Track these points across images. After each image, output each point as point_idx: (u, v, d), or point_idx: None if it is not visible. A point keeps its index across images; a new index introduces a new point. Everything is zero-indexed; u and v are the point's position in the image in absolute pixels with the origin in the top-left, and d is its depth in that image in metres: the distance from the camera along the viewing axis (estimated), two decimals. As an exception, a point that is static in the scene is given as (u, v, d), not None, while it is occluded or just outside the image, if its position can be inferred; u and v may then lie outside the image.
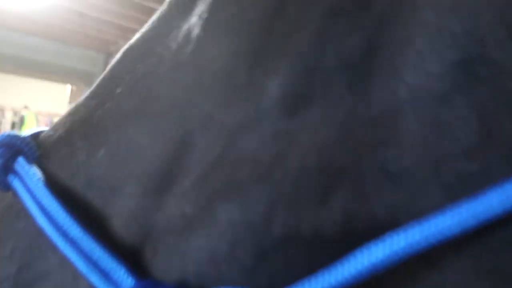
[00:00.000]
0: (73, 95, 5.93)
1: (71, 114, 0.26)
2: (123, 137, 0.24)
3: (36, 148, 0.24)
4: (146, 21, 0.28)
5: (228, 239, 0.21)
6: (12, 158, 0.23)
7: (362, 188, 0.19)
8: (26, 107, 6.91)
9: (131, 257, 0.21)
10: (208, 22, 0.23)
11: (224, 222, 0.21)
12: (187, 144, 0.22)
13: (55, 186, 0.23)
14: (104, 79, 0.27)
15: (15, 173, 0.23)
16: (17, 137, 0.24)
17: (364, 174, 0.19)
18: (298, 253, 0.20)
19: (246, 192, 0.21)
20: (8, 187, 0.23)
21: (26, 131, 0.26)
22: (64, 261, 0.21)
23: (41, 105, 7.19)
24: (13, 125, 6.72)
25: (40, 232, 0.21)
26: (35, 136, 0.25)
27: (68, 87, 6.20)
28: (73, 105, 0.27)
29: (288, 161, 0.20)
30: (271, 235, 0.20)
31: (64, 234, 0.20)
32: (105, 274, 0.20)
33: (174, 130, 0.23)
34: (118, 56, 0.27)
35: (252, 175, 0.21)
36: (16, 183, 0.23)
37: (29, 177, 0.22)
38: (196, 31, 0.23)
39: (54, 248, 0.21)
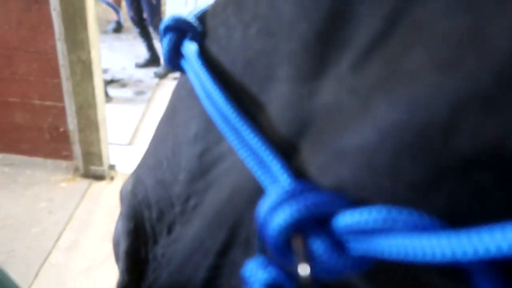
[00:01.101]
0: None
1: None
2: (272, 9, 0.20)
3: (200, 30, 0.24)
4: None
5: (390, 144, 0.16)
6: (180, 41, 0.24)
7: None
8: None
9: (285, 151, 0.19)
10: None
11: (385, 121, 0.16)
12: (346, 15, 0.17)
13: (216, 69, 0.22)
14: None
15: (183, 56, 0.24)
16: (183, 20, 0.24)
17: None
18: (496, 178, 0.14)
19: (421, 82, 0.15)
20: (180, 69, 0.25)
21: (191, 11, 0.25)
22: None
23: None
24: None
25: (208, 118, 0.22)
26: (199, 16, 0.25)
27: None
28: None
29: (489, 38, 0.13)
30: (453, 148, 0.14)
31: (227, 122, 0.20)
32: (264, 167, 0.18)
33: None
34: None
35: (430, 56, 0.15)
36: (185, 66, 0.23)
37: (195, 61, 0.22)
38: None
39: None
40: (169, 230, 0.24)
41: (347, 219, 0.16)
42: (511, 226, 0.13)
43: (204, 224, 0.23)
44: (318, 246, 0.16)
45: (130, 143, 2.45)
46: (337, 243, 0.17)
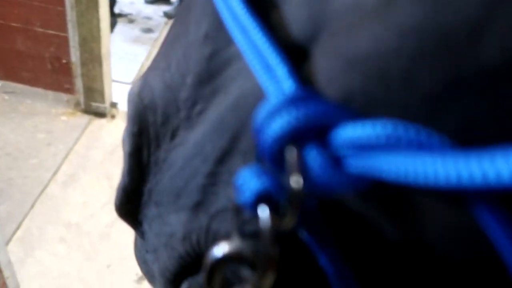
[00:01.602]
0: None
1: None
2: None
3: None
4: None
5: (408, 49, 0.14)
6: None
7: None
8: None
9: (295, 56, 0.17)
10: None
11: (406, 21, 0.14)
12: None
13: None
14: None
15: None
16: None
17: None
18: None
19: None
20: None
21: None
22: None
23: None
24: None
25: (222, 26, 0.20)
26: None
27: None
28: None
29: None
30: (478, 55, 0.13)
31: (236, 20, 0.19)
32: (270, 71, 0.17)
33: None
34: None
35: None
36: None
37: None
38: None
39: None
40: (173, 135, 0.24)
41: (348, 132, 0.15)
42: None
43: (207, 130, 0.22)
44: (314, 158, 0.15)
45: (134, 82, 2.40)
46: (334, 158, 0.16)
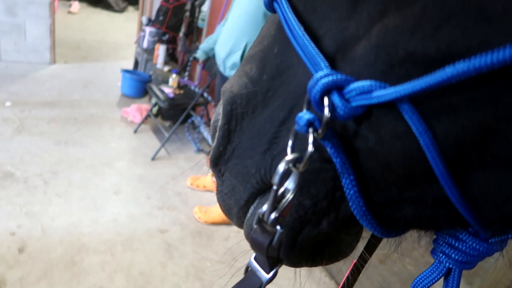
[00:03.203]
0: None
1: None
2: None
3: None
4: None
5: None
6: None
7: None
8: None
9: (329, 59, 0.31)
10: None
11: None
12: None
13: (295, 10, 0.34)
14: None
15: (277, 1, 0.35)
16: None
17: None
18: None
19: None
20: (272, 10, 0.36)
21: None
22: (300, 59, 0.33)
23: None
24: None
25: (287, 42, 0.34)
26: None
27: None
28: None
29: None
30: None
31: (299, 39, 0.32)
32: (316, 65, 0.30)
33: None
34: None
35: None
36: (277, 8, 0.35)
37: (282, 5, 0.34)
38: None
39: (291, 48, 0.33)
40: (253, 111, 0.37)
41: (353, 86, 0.28)
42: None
43: (275, 106, 0.36)
44: (336, 99, 0.29)
45: None
46: (346, 98, 0.28)
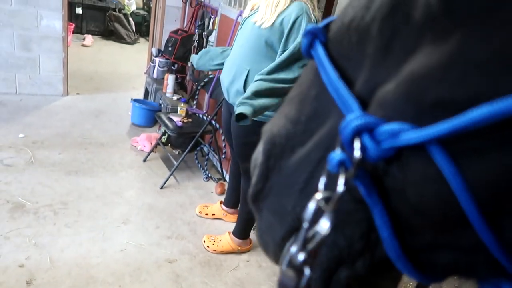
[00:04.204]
0: None
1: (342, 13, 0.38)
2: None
3: (325, 34, 0.38)
4: None
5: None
6: (313, 40, 0.38)
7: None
8: None
9: (362, 102, 0.33)
10: None
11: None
12: None
13: (332, 58, 0.36)
14: None
15: (314, 49, 0.38)
16: (317, 28, 0.38)
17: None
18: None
19: None
20: (311, 57, 0.39)
21: (324, 21, 0.40)
22: (334, 102, 0.35)
23: None
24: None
25: (323, 86, 0.36)
26: (327, 24, 0.39)
27: None
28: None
29: None
30: None
31: (333, 86, 0.34)
32: (348, 108, 0.33)
33: None
34: None
35: None
36: (314, 55, 0.38)
37: (319, 53, 0.37)
38: None
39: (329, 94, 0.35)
40: (291, 150, 0.39)
41: (383, 128, 0.29)
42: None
43: (311, 146, 0.37)
44: (366, 140, 0.30)
45: None
46: (377, 141, 0.29)
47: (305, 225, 0.31)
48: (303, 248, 0.32)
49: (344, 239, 0.34)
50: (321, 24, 0.39)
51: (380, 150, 0.29)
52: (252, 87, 1.78)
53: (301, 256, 0.32)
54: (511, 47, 0.23)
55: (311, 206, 0.31)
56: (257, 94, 1.75)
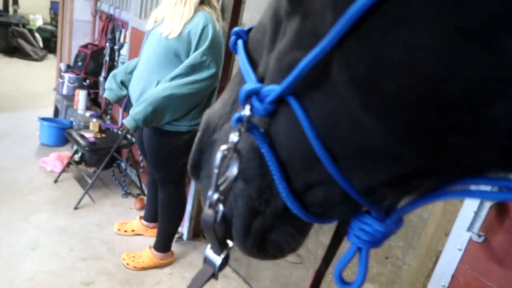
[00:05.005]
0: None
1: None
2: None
3: (247, 34, 0.46)
4: None
5: None
6: (237, 39, 0.46)
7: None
8: None
9: (259, 77, 0.41)
10: None
11: None
12: None
13: (247, 50, 0.45)
14: None
15: (237, 45, 0.46)
16: (241, 30, 0.47)
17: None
18: None
19: None
20: (236, 52, 0.46)
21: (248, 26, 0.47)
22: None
23: None
24: None
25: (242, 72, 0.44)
26: (251, 28, 0.47)
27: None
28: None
29: None
30: None
31: (245, 67, 0.43)
32: (250, 77, 0.41)
33: None
34: None
35: None
36: (237, 49, 0.45)
37: (239, 47, 0.45)
38: None
39: None
40: (220, 127, 0.47)
41: (264, 89, 0.36)
42: None
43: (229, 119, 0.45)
44: (254, 101, 0.37)
45: None
46: (260, 99, 0.37)
47: (216, 171, 0.38)
48: (216, 190, 0.39)
49: (255, 191, 0.41)
50: (247, 27, 0.48)
51: (263, 107, 0.36)
52: (148, 98, 1.93)
53: (215, 196, 0.39)
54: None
55: (218, 155, 0.38)
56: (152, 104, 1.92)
